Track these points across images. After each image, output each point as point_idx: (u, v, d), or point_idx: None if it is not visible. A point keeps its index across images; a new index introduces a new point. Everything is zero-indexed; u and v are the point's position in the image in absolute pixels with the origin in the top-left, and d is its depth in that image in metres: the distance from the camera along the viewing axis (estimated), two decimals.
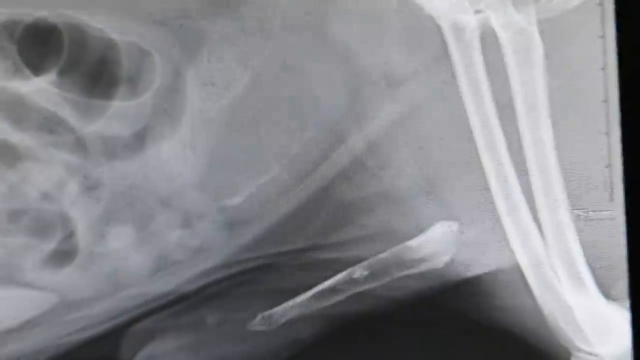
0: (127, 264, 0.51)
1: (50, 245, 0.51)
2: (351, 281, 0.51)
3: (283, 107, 0.52)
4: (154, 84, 0.51)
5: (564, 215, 0.50)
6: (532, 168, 0.51)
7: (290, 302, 0.51)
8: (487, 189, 0.51)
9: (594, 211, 0.51)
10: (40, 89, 0.50)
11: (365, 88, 0.52)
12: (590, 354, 0.49)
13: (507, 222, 0.51)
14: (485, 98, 0.51)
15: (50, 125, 0.51)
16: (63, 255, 0.51)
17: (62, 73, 0.51)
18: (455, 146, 0.52)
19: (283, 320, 0.51)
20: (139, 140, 0.51)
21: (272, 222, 0.51)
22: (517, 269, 0.51)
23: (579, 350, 0.49)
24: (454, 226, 0.52)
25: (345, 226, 0.51)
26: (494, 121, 0.51)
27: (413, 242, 0.51)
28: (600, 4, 0.50)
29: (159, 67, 0.51)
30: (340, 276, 0.51)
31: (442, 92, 0.52)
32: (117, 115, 0.51)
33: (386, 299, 0.51)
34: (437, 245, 0.51)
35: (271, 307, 0.51)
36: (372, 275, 0.51)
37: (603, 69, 0.51)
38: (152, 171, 0.51)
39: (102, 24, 0.50)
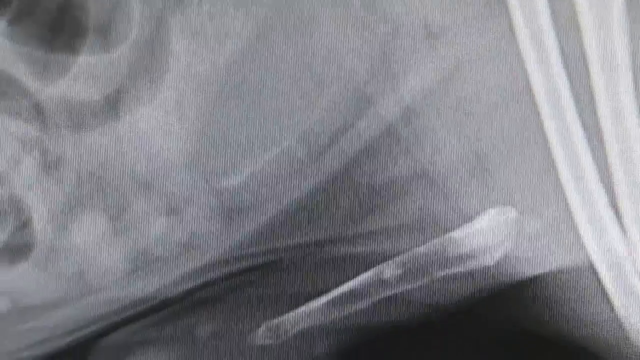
0: (97, 261, 0.46)
1: None
2: (380, 283, 0.46)
3: (294, 63, 0.46)
4: (130, 34, 0.46)
5: None
6: (610, 143, 0.45)
7: (303, 309, 0.46)
8: (552, 168, 0.46)
9: None
10: None
11: (399, 39, 0.46)
12: None
13: (577, 210, 0.46)
14: (551, 55, 0.45)
15: (0, 86, 0.45)
16: (15, 250, 0.46)
17: (13, 21, 0.45)
18: (512, 113, 0.46)
19: (293, 331, 0.46)
20: (111, 105, 0.46)
21: (279, 209, 0.46)
22: (590, 270, 0.46)
23: None
24: (510, 214, 0.46)
25: (373, 213, 0.46)
26: (562, 83, 0.45)
27: (457, 234, 0.46)
28: None
29: (136, 13, 0.46)
30: (366, 276, 0.46)
31: (496, 46, 0.46)
32: (83, 74, 0.46)
33: (423, 305, 0.46)
34: (487, 237, 0.46)
35: (278, 316, 0.47)
36: (406, 276, 0.46)
37: None
38: (127, 145, 0.46)
39: None
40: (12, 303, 0.46)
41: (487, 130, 0.46)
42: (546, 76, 0.46)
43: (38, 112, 0.46)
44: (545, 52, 0.45)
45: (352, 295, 0.46)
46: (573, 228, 0.46)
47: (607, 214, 0.46)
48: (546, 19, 0.45)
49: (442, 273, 0.46)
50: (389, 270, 0.46)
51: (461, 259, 0.46)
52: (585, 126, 0.46)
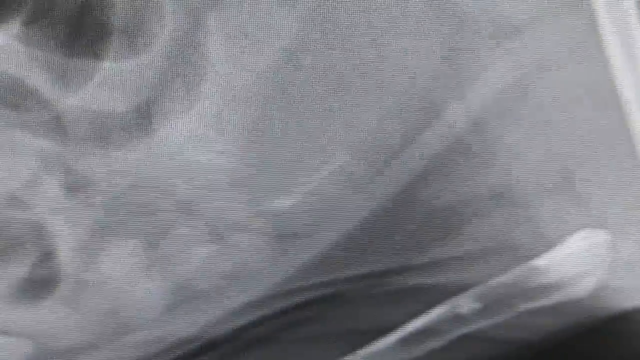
0: (132, 296, 0.42)
1: (19, 270, 0.41)
2: (455, 318, 0.43)
3: (348, 67, 0.41)
4: (161, 36, 0.41)
5: None
6: None
7: (367, 350, 0.42)
8: None
9: None
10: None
11: (469, 39, 0.41)
12: None
13: None
14: None
15: (14, 97, 0.41)
16: (38, 285, 0.42)
17: (28, 22, 0.41)
18: (599, 122, 0.42)
19: None
20: (143, 117, 0.41)
21: (338, 234, 0.42)
22: None
23: None
24: (603, 237, 0.42)
25: (444, 239, 0.42)
26: None
27: (542, 261, 0.42)
28: None
29: (168, 12, 0.41)
30: (439, 311, 0.43)
31: (577, 46, 0.42)
32: (108, 82, 0.41)
33: (506, 343, 0.43)
34: (577, 265, 0.42)
35: (340, 357, 0.43)
36: (485, 310, 0.42)
37: None
38: (163, 163, 0.41)
39: None
40: (36, 347, 0.42)
41: (571, 141, 0.43)
42: (636, 78, 0.42)
43: (59, 126, 0.41)
44: (634, 51, 0.42)
45: (424, 333, 0.43)
46: None
47: None
48: (634, 14, 0.42)
49: (525, 306, 0.43)
50: (465, 303, 0.43)
51: (547, 290, 0.43)
52: None
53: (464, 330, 0.42)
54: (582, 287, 0.42)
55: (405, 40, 0.41)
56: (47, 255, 0.42)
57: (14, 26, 0.41)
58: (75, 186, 0.41)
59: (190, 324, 0.42)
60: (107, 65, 0.41)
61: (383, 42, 0.41)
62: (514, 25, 0.41)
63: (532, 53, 0.41)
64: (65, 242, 0.42)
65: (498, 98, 0.41)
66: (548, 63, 0.41)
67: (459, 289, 0.42)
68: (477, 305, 0.42)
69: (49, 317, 0.42)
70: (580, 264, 0.42)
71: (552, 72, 0.42)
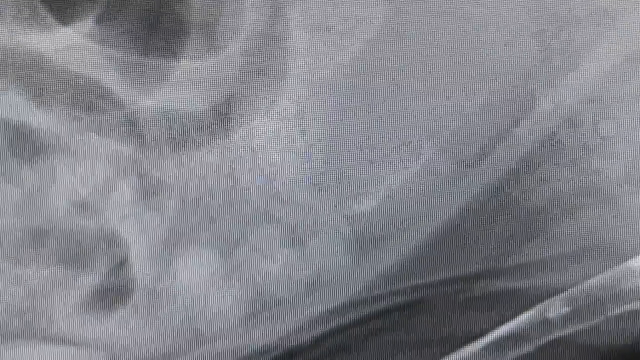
0: (208, 305, 0.40)
1: (92, 279, 0.39)
2: (544, 323, 0.40)
3: (436, 57, 0.40)
4: (241, 32, 0.39)
5: None
6: None
7: (454, 357, 0.40)
8: None
9: None
10: (72, 44, 0.39)
11: (565, 25, 0.40)
12: None
13: None
14: None
15: (88, 98, 0.39)
16: (111, 295, 0.39)
17: (101, 19, 0.39)
18: None
19: None
20: (220, 118, 0.40)
21: (422, 237, 0.40)
22: None
23: None
24: None
25: (533, 239, 0.41)
26: None
27: (635, 262, 0.40)
28: None
29: (248, 5, 0.39)
30: (527, 316, 0.40)
31: None
32: (185, 81, 0.39)
33: (597, 350, 0.40)
34: None
35: None
36: (575, 314, 0.40)
37: None
38: (240, 165, 0.40)
39: None
40: (109, 358, 0.39)
41: None
42: None
43: (132, 128, 0.40)
44: None
45: (511, 340, 0.41)
46: None
47: None
48: None
49: (617, 310, 0.40)
50: (554, 308, 0.41)
51: None
52: None
53: (554, 335, 0.40)
54: None
55: (498, 32, 0.40)
56: (120, 264, 0.40)
57: (87, 24, 0.39)
58: (148, 191, 0.40)
59: (267, 334, 0.40)
60: (184, 64, 0.39)
61: (474, 34, 0.39)
62: (610, 14, 0.40)
63: (627, 43, 0.40)
64: (139, 250, 0.40)
65: (591, 91, 0.40)
66: None
67: (547, 293, 0.41)
68: (566, 310, 0.40)
69: (122, 327, 0.39)
70: None
71: None
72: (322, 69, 0.40)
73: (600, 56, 0.40)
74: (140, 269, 0.40)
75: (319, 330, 0.40)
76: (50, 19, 0.39)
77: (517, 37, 0.40)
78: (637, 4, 0.40)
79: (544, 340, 0.40)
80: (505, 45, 0.40)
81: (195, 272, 0.40)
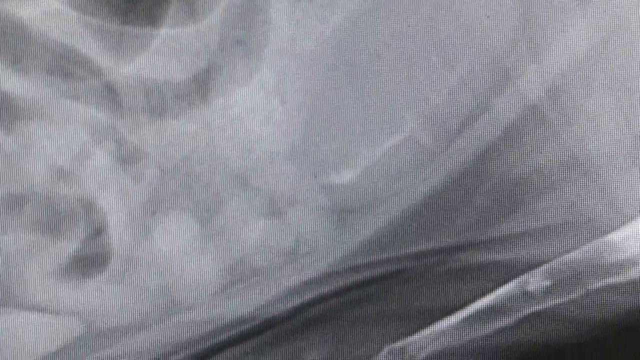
0: (185, 273, 0.40)
1: (69, 246, 0.39)
2: (524, 296, 0.40)
3: (418, 31, 0.40)
4: (222, 1, 0.39)
5: None
6: None
7: (432, 329, 0.40)
8: None
9: None
10: (50, 11, 0.39)
11: (543, 1, 0.40)
12: None
13: None
14: None
15: (66, 66, 0.39)
16: (89, 262, 0.39)
17: None
18: None
19: (421, 356, 0.40)
20: (200, 87, 0.39)
21: (402, 209, 0.40)
22: None
23: None
24: None
25: (514, 213, 0.40)
26: None
27: (617, 236, 0.40)
28: None
29: None
30: (507, 289, 0.40)
31: None
32: (165, 50, 0.39)
33: (576, 322, 0.40)
34: None
35: (403, 337, 0.40)
36: (555, 287, 0.40)
37: None
38: (219, 133, 0.40)
39: None
40: (85, 326, 0.40)
41: None
42: None
43: (112, 96, 0.40)
44: None
45: (491, 312, 0.41)
46: None
47: None
48: None
49: (598, 284, 0.41)
50: (534, 281, 0.41)
51: (621, 266, 0.41)
52: None
53: (534, 308, 0.40)
54: None
55: (479, 4, 0.39)
56: (98, 231, 0.40)
57: None
58: (127, 159, 0.40)
59: (245, 303, 0.40)
60: (164, 32, 0.39)
61: (456, 7, 0.39)
62: None
63: (612, 15, 0.40)
64: (116, 218, 0.40)
65: (575, 63, 0.40)
66: (627, 26, 0.40)
67: (528, 266, 0.40)
68: (547, 283, 0.40)
69: (98, 294, 0.39)
70: None
71: (632, 37, 0.40)
72: (303, 40, 0.40)
73: (585, 29, 0.40)
74: (118, 236, 0.39)
75: (296, 301, 0.40)
76: None
77: (499, 13, 0.40)
78: None
79: (524, 313, 0.40)
80: (486, 16, 0.39)
81: (173, 239, 0.40)
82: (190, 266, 0.40)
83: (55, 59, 0.39)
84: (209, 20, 0.39)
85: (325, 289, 0.40)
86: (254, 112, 0.40)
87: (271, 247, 0.40)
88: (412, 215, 0.40)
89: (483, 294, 0.40)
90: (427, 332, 0.40)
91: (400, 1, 0.40)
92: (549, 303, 0.40)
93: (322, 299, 0.40)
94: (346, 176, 0.40)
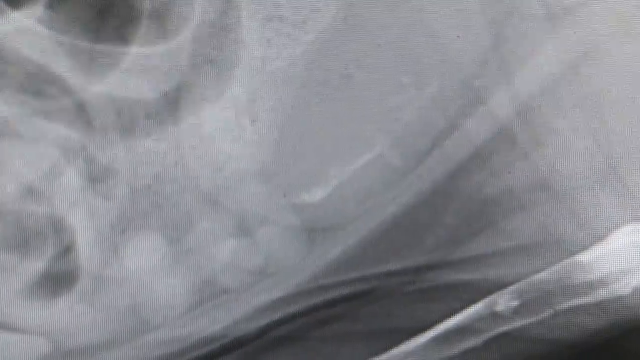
0: (154, 293, 0.39)
1: (37, 265, 0.39)
2: (493, 316, 0.40)
3: (389, 51, 0.39)
4: (192, 19, 0.39)
5: None
6: None
7: (401, 349, 0.40)
8: None
9: None
10: (22, 29, 0.39)
11: (514, 22, 0.40)
12: None
13: None
14: None
15: (37, 84, 0.39)
16: (57, 281, 0.39)
17: (52, 5, 0.39)
18: None
19: None
20: (170, 105, 0.39)
21: (371, 228, 0.40)
22: None
23: None
24: None
25: (483, 233, 0.40)
26: None
27: (585, 257, 0.40)
28: None
29: None
30: (476, 309, 0.40)
31: (631, 28, 0.40)
32: (136, 68, 0.39)
33: (546, 344, 0.40)
34: (622, 261, 0.40)
35: (372, 357, 0.40)
36: (524, 308, 0.40)
37: None
38: (190, 153, 0.39)
39: None
40: (53, 346, 0.39)
41: (620, 130, 0.40)
42: None
43: (82, 114, 0.40)
44: None
45: (460, 332, 0.40)
46: None
47: None
48: None
49: (567, 305, 0.40)
50: (503, 301, 0.40)
51: (590, 287, 0.40)
52: None
53: (502, 329, 0.40)
54: (627, 285, 0.40)
55: (450, 25, 0.39)
56: (66, 250, 0.39)
57: (37, 9, 0.39)
58: (97, 177, 0.39)
59: (214, 322, 0.40)
60: (134, 51, 0.39)
61: (427, 27, 0.39)
62: (565, 6, 0.40)
63: (582, 36, 0.40)
64: (85, 236, 0.39)
65: (546, 85, 0.40)
66: (598, 47, 0.40)
67: (497, 286, 0.40)
68: (515, 303, 0.40)
69: (66, 314, 0.39)
70: (625, 260, 0.40)
71: (603, 57, 0.40)
72: (274, 59, 0.40)
73: (556, 50, 0.40)
74: (87, 255, 0.39)
75: (266, 320, 0.40)
76: (0, 4, 0.39)
77: (470, 34, 0.40)
78: None
79: (492, 333, 0.40)
80: (458, 41, 0.39)
81: (142, 258, 0.39)
82: (160, 285, 0.40)
83: (26, 77, 0.39)
84: (179, 39, 0.39)
85: (294, 308, 0.40)
86: (224, 131, 0.39)
87: (241, 266, 0.40)
88: (382, 235, 0.40)
89: (452, 314, 0.40)
90: (395, 352, 0.40)
91: (371, 21, 0.40)
92: (518, 323, 0.40)
93: (291, 318, 0.40)
94: (316, 195, 0.40)
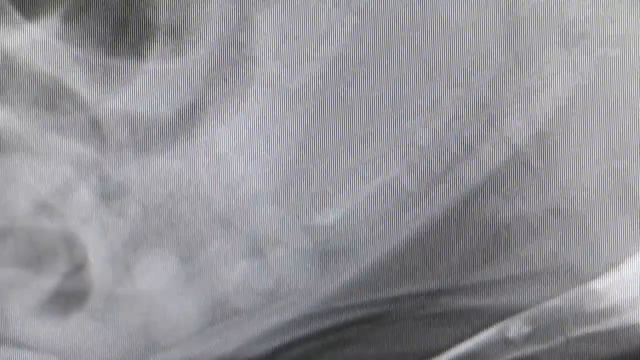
0: (165, 312, 0.39)
1: (48, 282, 0.39)
2: (504, 342, 0.40)
3: (403, 73, 0.39)
4: (207, 36, 0.39)
5: None
6: None
7: None
8: None
9: None
10: (37, 42, 0.38)
11: (531, 48, 0.39)
12: None
13: None
14: None
15: (51, 98, 0.39)
16: (68, 298, 0.39)
17: (67, 19, 0.38)
18: None
19: None
20: (184, 123, 0.39)
21: (384, 252, 0.40)
22: None
23: None
24: None
25: (496, 258, 0.40)
26: None
27: (599, 284, 0.40)
28: None
29: (215, 9, 0.39)
30: (487, 334, 0.40)
31: None
32: (150, 84, 0.39)
33: None
34: (635, 289, 0.40)
35: None
36: (536, 334, 0.40)
37: None
38: (203, 172, 0.39)
39: None
40: None
41: (636, 156, 0.39)
42: None
43: (96, 130, 0.39)
44: None
45: (470, 358, 0.40)
46: None
47: None
48: None
49: (579, 332, 0.40)
50: (514, 327, 0.40)
51: (603, 315, 0.40)
52: None
53: (513, 355, 0.40)
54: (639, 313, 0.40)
55: (466, 49, 0.39)
56: (78, 267, 0.39)
57: (53, 22, 0.39)
58: (110, 194, 0.39)
59: (225, 343, 0.40)
60: (149, 67, 0.39)
61: (442, 51, 0.39)
62: (579, 31, 0.39)
63: (598, 59, 0.40)
64: (97, 254, 0.39)
65: (560, 109, 0.39)
66: (613, 71, 0.40)
67: (509, 312, 0.40)
68: (527, 330, 0.40)
69: (77, 332, 0.39)
70: (638, 288, 0.40)
71: (618, 82, 0.40)
72: (290, 78, 0.39)
73: (571, 75, 0.40)
74: (98, 272, 0.39)
75: (276, 342, 0.40)
76: (16, 15, 0.39)
77: (486, 58, 0.39)
78: (606, 11, 0.40)
79: (503, 359, 0.40)
80: (473, 66, 0.39)
81: (154, 277, 0.39)
82: (171, 305, 0.39)
83: (40, 91, 0.39)
84: (194, 56, 0.39)
85: (305, 331, 0.40)
86: (238, 150, 0.39)
87: (252, 287, 0.40)
88: (394, 258, 0.40)
89: (463, 339, 0.40)
90: None
91: (388, 39, 0.39)
92: (529, 350, 0.40)
93: (302, 340, 0.40)
94: (329, 218, 0.40)
